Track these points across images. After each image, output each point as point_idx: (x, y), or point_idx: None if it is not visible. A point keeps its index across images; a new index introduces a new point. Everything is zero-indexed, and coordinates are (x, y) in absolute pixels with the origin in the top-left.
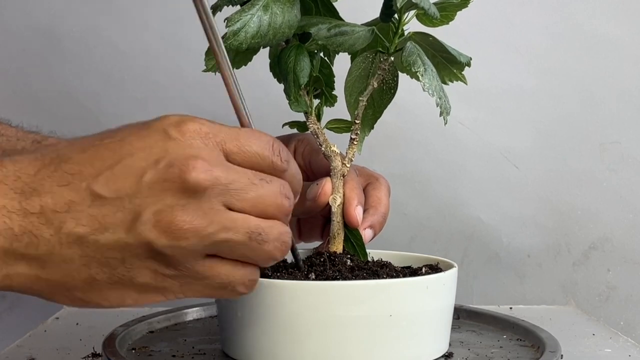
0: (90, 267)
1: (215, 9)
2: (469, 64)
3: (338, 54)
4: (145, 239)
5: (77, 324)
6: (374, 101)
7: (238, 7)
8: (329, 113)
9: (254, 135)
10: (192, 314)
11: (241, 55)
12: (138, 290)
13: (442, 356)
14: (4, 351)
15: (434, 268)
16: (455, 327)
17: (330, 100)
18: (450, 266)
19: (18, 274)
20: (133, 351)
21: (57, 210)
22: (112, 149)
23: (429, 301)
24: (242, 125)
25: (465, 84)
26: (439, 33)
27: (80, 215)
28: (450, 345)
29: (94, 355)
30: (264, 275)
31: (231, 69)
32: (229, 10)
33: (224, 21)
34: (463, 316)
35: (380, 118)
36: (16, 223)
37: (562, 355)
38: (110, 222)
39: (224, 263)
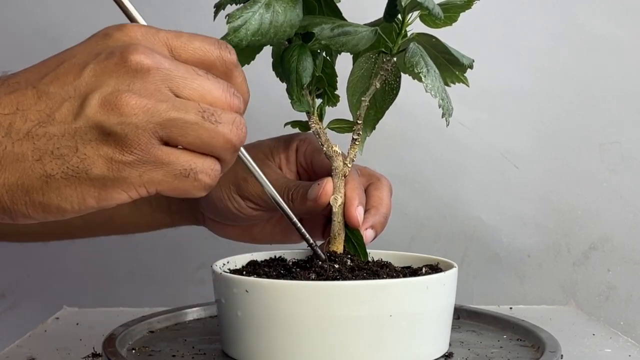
0: (43, 161)
1: (219, 7)
2: (471, 66)
3: (341, 54)
4: (94, 120)
5: (77, 324)
6: (376, 101)
7: (241, 5)
8: (330, 113)
9: (198, 35)
10: (192, 314)
11: (244, 53)
12: (96, 186)
13: (442, 356)
14: (4, 351)
15: (434, 268)
16: (455, 327)
17: (333, 100)
18: (450, 266)
19: None
20: (133, 351)
21: (5, 112)
22: (56, 57)
23: (429, 301)
24: None
25: (467, 86)
26: (440, 33)
27: (28, 113)
28: (450, 345)
29: (94, 355)
30: (265, 275)
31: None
32: (232, 9)
33: (225, 17)
34: (463, 316)
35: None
36: None
37: (562, 355)
38: (57, 112)
39: (182, 151)
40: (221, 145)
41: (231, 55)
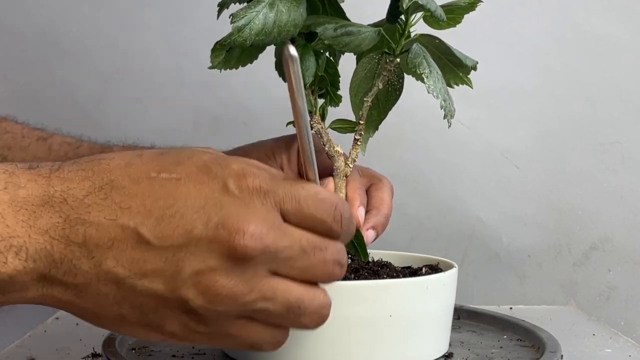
0: (122, 306)
1: (222, 6)
2: (474, 68)
3: (344, 54)
4: (181, 296)
5: (77, 324)
6: (379, 102)
7: (245, 4)
8: (333, 113)
9: (315, 198)
10: None
11: (246, 52)
12: (165, 335)
13: (442, 356)
14: (4, 351)
15: (434, 268)
16: (455, 327)
17: (335, 100)
18: (450, 266)
19: (52, 295)
20: (133, 351)
21: (100, 244)
22: (167, 188)
23: (429, 301)
24: (308, 178)
25: (471, 87)
26: (440, 32)
27: (122, 255)
28: (450, 345)
29: (94, 355)
30: None
31: (308, 121)
32: (235, 8)
33: (229, 17)
34: (463, 316)
35: None
36: (57, 250)
37: (562, 356)
38: (150, 269)
39: (255, 324)
40: (298, 328)
41: (339, 230)
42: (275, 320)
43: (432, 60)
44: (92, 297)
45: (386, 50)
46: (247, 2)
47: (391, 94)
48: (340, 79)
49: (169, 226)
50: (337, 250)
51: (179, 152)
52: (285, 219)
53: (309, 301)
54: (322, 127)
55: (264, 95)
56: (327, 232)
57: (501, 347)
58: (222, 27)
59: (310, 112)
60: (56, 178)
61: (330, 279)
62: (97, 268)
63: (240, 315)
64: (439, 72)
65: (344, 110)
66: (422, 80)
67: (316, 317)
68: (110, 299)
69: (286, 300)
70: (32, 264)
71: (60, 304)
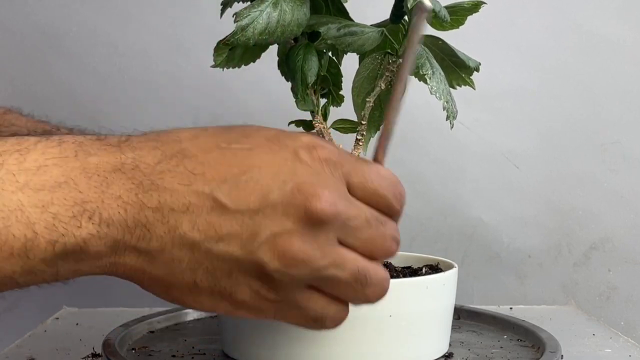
0: (196, 272)
1: (225, 5)
2: (477, 69)
3: (347, 54)
4: (257, 259)
5: (77, 324)
6: (381, 103)
7: (248, 3)
8: (335, 113)
9: (379, 173)
10: (192, 314)
11: (249, 51)
12: (233, 305)
13: (442, 356)
14: (4, 351)
15: (434, 268)
16: (455, 327)
17: (337, 100)
18: (450, 266)
19: (125, 263)
20: (133, 351)
21: (175, 209)
22: (240, 157)
23: (429, 301)
24: (377, 158)
25: (473, 88)
26: (445, 34)
27: (198, 220)
28: (450, 345)
29: (94, 355)
30: None
31: (405, 86)
32: (238, 7)
33: (233, 16)
34: (463, 316)
35: None
36: (130, 215)
37: (562, 356)
38: (226, 233)
39: (321, 296)
40: (360, 301)
41: (398, 208)
42: (342, 290)
43: (435, 62)
44: (165, 263)
45: (389, 50)
46: (251, 1)
47: None
48: (342, 78)
49: (244, 191)
50: (394, 227)
51: (244, 126)
52: (351, 191)
53: (373, 272)
54: (324, 127)
55: (264, 95)
56: (386, 209)
57: (501, 347)
58: (223, 27)
59: (312, 112)
60: (126, 147)
61: (387, 254)
62: (172, 233)
63: (310, 283)
64: (442, 73)
65: (346, 110)
66: (425, 81)
67: (378, 290)
68: (184, 264)
69: (354, 268)
70: (106, 229)
71: (131, 272)
